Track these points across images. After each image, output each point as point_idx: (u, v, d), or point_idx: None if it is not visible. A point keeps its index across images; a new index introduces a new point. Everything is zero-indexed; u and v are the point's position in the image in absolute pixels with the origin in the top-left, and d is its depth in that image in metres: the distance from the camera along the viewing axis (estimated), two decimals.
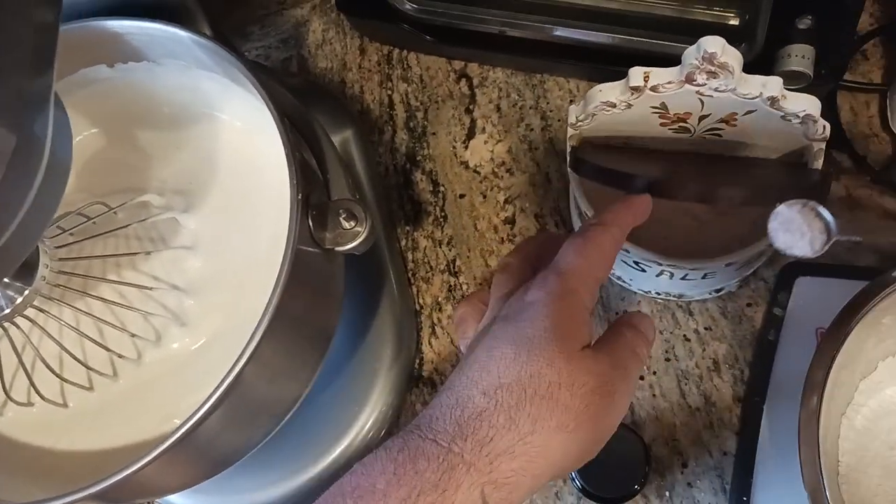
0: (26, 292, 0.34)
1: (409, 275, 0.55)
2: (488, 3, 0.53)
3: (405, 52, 0.61)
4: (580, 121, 0.45)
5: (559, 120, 0.57)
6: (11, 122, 0.24)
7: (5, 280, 0.34)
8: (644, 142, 0.47)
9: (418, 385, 0.52)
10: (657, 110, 0.43)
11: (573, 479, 0.42)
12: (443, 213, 0.56)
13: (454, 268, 0.54)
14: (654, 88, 0.41)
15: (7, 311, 0.34)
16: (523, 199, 0.55)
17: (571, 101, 0.57)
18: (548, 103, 0.58)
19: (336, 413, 0.50)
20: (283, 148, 0.33)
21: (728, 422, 0.48)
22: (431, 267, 0.55)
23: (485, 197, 0.56)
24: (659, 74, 0.40)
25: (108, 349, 0.36)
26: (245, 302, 0.38)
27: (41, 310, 0.35)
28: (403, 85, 0.60)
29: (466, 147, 0.57)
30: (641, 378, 0.49)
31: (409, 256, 0.55)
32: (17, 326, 0.36)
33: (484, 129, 0.58)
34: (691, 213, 0.47)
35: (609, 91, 0.43)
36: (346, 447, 0.50)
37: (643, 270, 0.48)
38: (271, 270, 0.38)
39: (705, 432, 0.48)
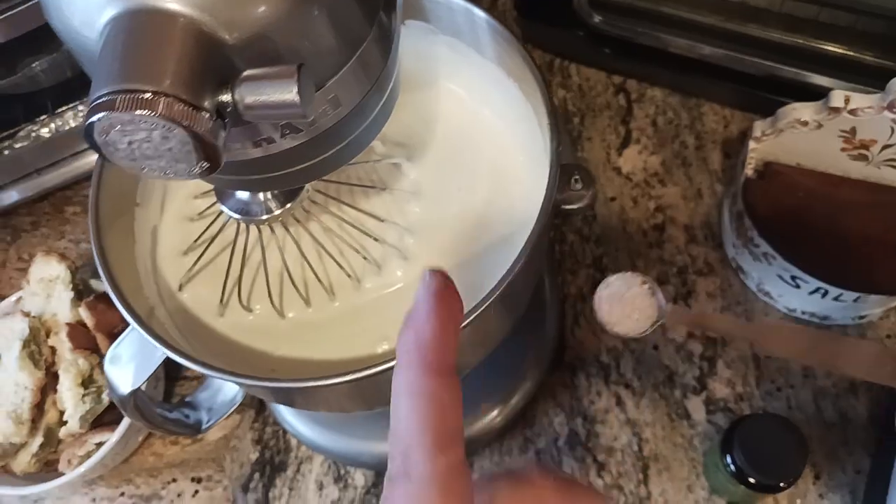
0: (288, 205, 0.37)
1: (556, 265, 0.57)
2: (671, 24, 0.56)
3: (566, 62, 0.65)
4: (765, 135, 0.48)
5: (713, 141, 0.60)
6: (387, 47, 0.28)
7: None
8: (816, 164, 0.50)
9: (559, 369, 0.54)
10: (844, 134, 0.46)
11: (726, 463, 0.44)
12: (592, 213, 0.59)
13: (601, 264, 0.57)
14: (852, 112, 0.44)
15: (263, 217, 0.37)
16: (673, 209, 0.58)
17: (726, 126, 0.61)
18: (703, 125, 0.61)
19: (486, 383, 0.52)
20: (543, 105, 0.36)
21: (863, 441, 0.49)
22: (578, 260, 0.57)
23: (635, 202, 0.59)
24: (860, 98, 0.44)
25: (341, 266, 0.39)
26: (460, 247, 0.41)
27: (296, 219, 0.39)
28: (562, 91, 0.64)
29: (620, 154, 0.61)
30: (778, 390, 0.51)
31: (556, 248, 0.58)
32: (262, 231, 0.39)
33: (639, 140, 0.61)
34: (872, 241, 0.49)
35: (803, 109, 0.46)
36: (490, 419, 0.52)
37: (797, 286, 0.50)
38: (486, 222, 0.42)
39: (840, 449, 0.49)
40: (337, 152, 0.31)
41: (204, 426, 0.44)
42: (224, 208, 0.37)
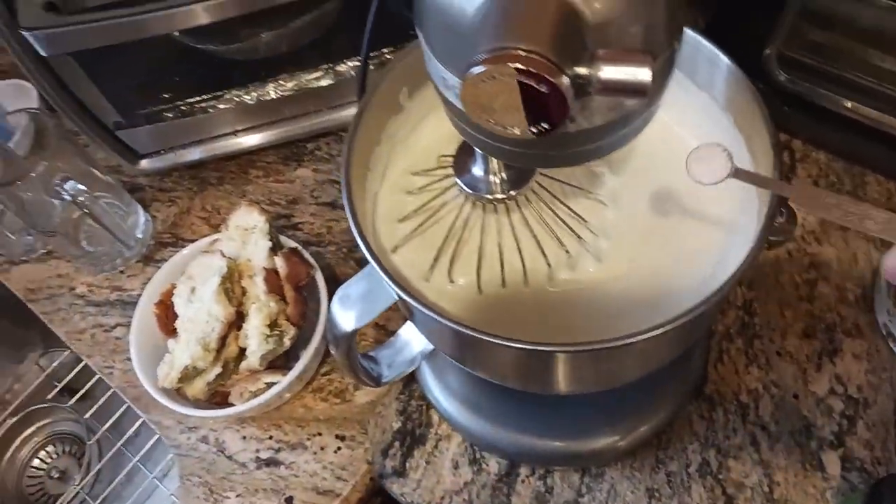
0: (512, 192, 0.41)
1: None
2: (854, 89, 0.59)
3: None
4: None
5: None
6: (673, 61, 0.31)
7: (502, 176, 0.41)
8: None
9: (698, 399, 0.56)
10: None
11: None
12: None
13: (750, 307, 0.59)
14: None
15: (489, 196, 0.42)
16: (827, 268, 0.60)
17: (889, 198, 0.62)
18: (865, 194, 0.62)
19: (626, 399, 0.55)
20: (766, 134, 0.40)
21: None
22: (729, 301, 0.59)
23: (790, 255, 0.60)
24: None
25: (545, 255, 0.43)
26: (650, 258, 0.44)
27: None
28: None
29: None
30: None
31: None
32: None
33: None
34: None
35: None
36: (612, 441, 0.54)
37: None
38: (678, 239, 0.44)
39: None
40: (594, 147, 0.34)
41: (383, 380, 0.47)
42: (458, 181, 0.42)
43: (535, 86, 0.24)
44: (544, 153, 0.35)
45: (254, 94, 0.68)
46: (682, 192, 0.46)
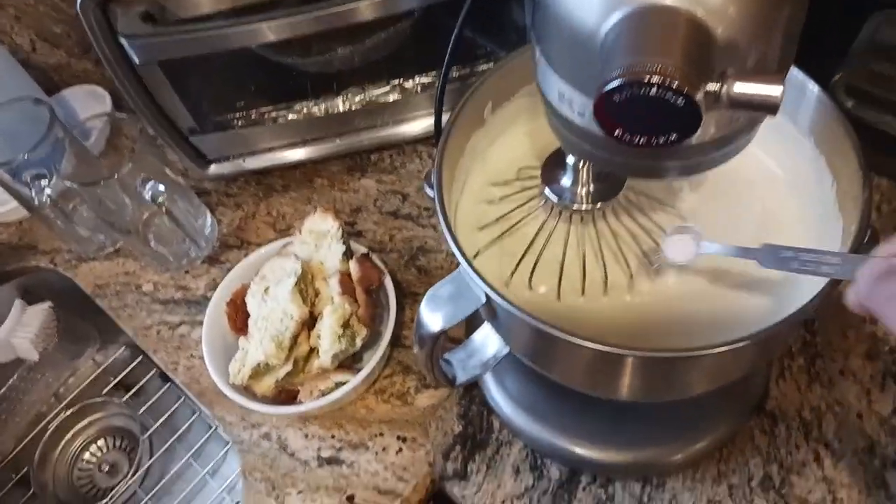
0: (598, 204, 0.43)
1: None
2: None
3: None
4: None
5: None
6: None
7: (589, 188, 0.43)
8: None
9: (759, 415, 0.56)
10: None
11: None
12: None
13: (812, 326, 0.59)
14: None
15: (575, 206, 0.43)
16: None
17: None
18: None
19: (687, 411, 0.55)
20: (854, 157, 0.41)
21: None
22: None
23: None
24: None
25: (628, 265, 0.44)
26: (729, 273, 0.45)
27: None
28: None
29: None
30: None
31: None
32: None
33: None
34: None
35: None
36: (679, 449, 0.55)
37: None
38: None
39: None
40: (697, 162, 0.35)
41: (457, 382, 0.49)
42: (546, 190, 0.43)
43: (673, 99, 0.26)
44: (648, 163, 0.36)
45: (323, 106, 0.70)
46: (760, 213, 0.47)
